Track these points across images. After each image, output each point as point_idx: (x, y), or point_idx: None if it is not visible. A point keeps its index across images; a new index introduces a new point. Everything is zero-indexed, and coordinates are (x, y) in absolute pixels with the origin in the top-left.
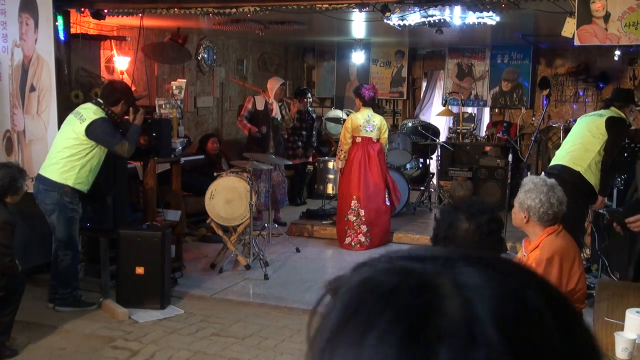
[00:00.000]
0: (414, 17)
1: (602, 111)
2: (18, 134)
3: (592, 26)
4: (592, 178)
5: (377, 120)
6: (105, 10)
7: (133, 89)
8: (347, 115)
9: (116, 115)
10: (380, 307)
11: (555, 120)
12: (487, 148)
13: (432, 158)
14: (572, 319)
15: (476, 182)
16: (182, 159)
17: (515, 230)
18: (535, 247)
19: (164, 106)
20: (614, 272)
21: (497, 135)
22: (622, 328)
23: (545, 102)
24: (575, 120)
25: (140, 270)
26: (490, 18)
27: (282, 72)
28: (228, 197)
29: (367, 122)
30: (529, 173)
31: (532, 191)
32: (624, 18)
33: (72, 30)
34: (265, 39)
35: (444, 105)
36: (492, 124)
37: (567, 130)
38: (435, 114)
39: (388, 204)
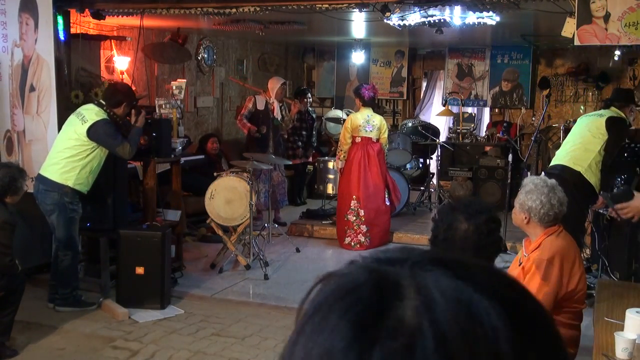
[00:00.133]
0: (414, 17)
1: (602, 111)
2: (18, 134)
3: (592, 26)
4: (593, 178)
5: (377, 120)
6: (106, 10)
7: (133, 89)
8: (347, 115)
9: (118, 117)
10: (336, 303)
11: (555, 120)
12: (487, 148)
13: (432, 158)
14: (543, 344)
15: (476, 182)
16: (182, 159)
17: (515, 230)
18: (535, 247)
19: (164, 106)
20: (614, 272)
21: (497, 135)
22: (622, 328)
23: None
24: (575, 121)
25: (140, 270)
26: (490, 18)
27: (282, 72)
28: (228, 197)
29: (367, 122)
30: (529, 173)
31: (532, 192)
32: (624, 18)
33: (72, 30)
34: (265, 39)
35: (444, 105)
36: (492, 124)
37: (567, 130)
38: (435, 114)
39: (388, 204)
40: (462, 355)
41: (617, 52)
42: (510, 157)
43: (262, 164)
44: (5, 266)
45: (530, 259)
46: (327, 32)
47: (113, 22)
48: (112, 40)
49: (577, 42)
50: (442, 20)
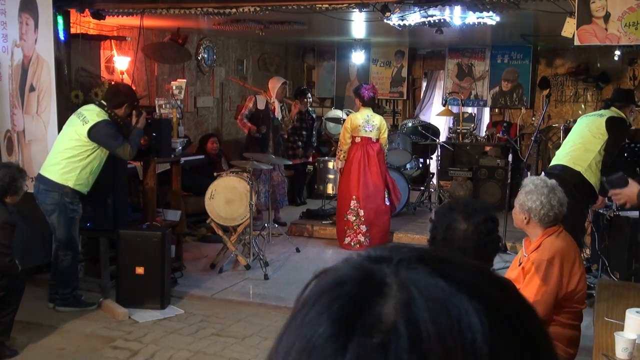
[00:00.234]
0: (414, 17)
1: (602, 111)
2: (18, 134)
3: (592, 26)
4: (593, 178)
5: (377, 120)
6: (106, 10)
7: (133, 89)
8: (347, 115)
9: (119, 117)
10: (319, 298)
11: (555, 120)
12: (487, 148)
13: (432, 158)
14: (525, 345)
15: (476, 182)
16: (182, 159)
17: (515, 230)
18: (535, 247)
19: (164, 106)
20: (614, 272)
21: (497, 135)
22: (622, 328)
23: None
24: (575, 120)
25: (140, 270)
26: (490, 18)
27: (282, 72)
28: (228, 197)
29: (367, 122)
30: (529, 173)
31: (532, 193)
32: (624, 18)
33: (72, 30)
34: (265, 39)
35: (444, 105)
36: (492, 124)
37: (567, 130)
38: (435, 114)
39: (388, 204)
40: (437, 356)
41: (617, 52)
42: (510, 157)
43: (262, 164)
44: (5, 266)
45: (530, 260)
46: (327, 32)
47: (113, 22)
48: (112, 40)
49: (577, 42)
50: (442, 20)
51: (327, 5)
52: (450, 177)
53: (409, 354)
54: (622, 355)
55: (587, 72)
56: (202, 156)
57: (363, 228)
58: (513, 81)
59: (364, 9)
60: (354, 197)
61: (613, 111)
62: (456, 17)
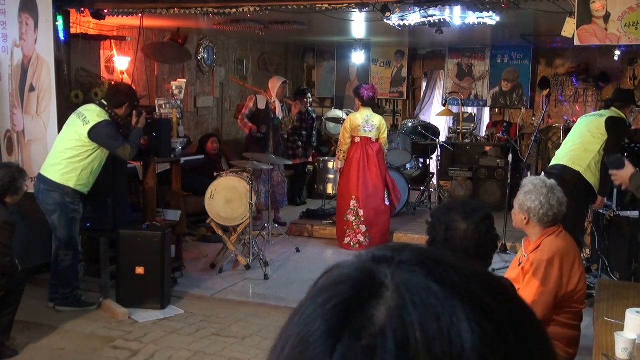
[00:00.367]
0: (414, 17)
1: (602, 111)
2: (18, 134)
3: (592, 26)
4: (592, 178)
5: (377, 120)
6: (105, 10)
7: (134, 88)
8: (347, 115)
9: (119, 117)
10: (318, 296)
11: (555, 120)
12: (487, 148)
13: (432, 158)
14: (518, 353)
15: (476, 182)
16: (182, 159)
17: (515, 230)
18: (535, 247)
19: (164, 106)
20: (614, 272)
21: (497, 135)
22: (622, 328)
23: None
24: (574, 121)
25: (140, 270)
26: (490, 18)
27: (282, 72)
28: (228, 197)
29: (366, 122)
30: (529, 173)
31: (531, 193)
32: (624, 18)
33: (72, 30)
34: (265, 39)
35: (444, 105)
36: (492, 124)
37: (567, 130)
38: (435, 114)
39: (387, 204)
40: None
41: (617, 52)
42: (510, 157)
43: (262, 164)
44: (5, 266)
45: (530, 260)
46: (327, 32)
47: (113, 22)
48: (112, 40)
49: (577, 42)
50: (442, 20)
51: (327, 5)
52: (450, 177)
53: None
54: (622, 355)
55: (587, 72)
56: (202, 156)
57: (363, 228)
58: (513, 81)
59: (364, 9)
60: (353, 197)
61: (613, 111)
62: (456, 17)
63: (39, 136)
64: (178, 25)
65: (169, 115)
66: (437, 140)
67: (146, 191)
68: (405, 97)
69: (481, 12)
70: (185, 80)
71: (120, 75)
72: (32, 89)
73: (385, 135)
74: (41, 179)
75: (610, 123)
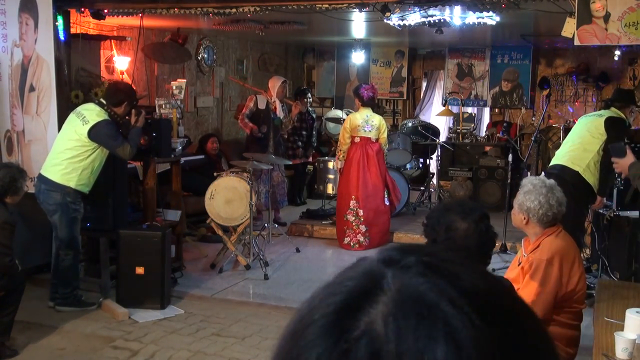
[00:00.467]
0: (414, 17)
1: (602, 111)
2: (17, 134)
3: (592, 26)
4: (591, 178)
5: (376, 120)
6: (105, 10)
7: (133, 87)
8: (347, 115)
9: (118, 116)
10: (319, 294)
11: (555, 120)
12: (487, 148)
13: (432, 158)
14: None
15: (476, 182)
16: (182, 159)
17: (515, 230)
18: (535, 247)
19: (164, 106)
20: (614, 272)
21: (497, 135)
22: (622, 328)
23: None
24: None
25: (140, 270)
26: (490, 18)
27: (282, 72)
28: (228, 197)
29: (366, 122)
30: (529, 173)
31: (531, 193)
32: (624, 18)
33: (72, 30)
34: (265, 39)
35: (444, 105)
36: (492, 124)
37: (567, 130)
38: (435, 114)
39: (387, 204)
40: None
41: (617, 52)
42: (510, 157)
43: (262, 164)
44: (5, 266)
45: (530, 259)
46: (327, 32)
47: (113, 22)
48: (112, 40)
49: (577, 42)
50: (442, 20)
51: (327, 5)
52: (450, 177)
53: None
54: (622, 355)
55: (587, 72)
56: (202, 156)
57: (362, 228)
58: (513, 81)
59: (364, 9)
60: (353, 197)
61: (613, 111)
62: (456, 17)
63: (38, 136)
64: (178, 25)
65: (169, 115)
66: (437, 140)
67: (146, 191)
68: (405, 97)
69: (481, 12)
70: (185, 80)
71: (120, 75)
72: (32, 89)
73: (385, 135)
74: (42, 179)
75: (610, 123)
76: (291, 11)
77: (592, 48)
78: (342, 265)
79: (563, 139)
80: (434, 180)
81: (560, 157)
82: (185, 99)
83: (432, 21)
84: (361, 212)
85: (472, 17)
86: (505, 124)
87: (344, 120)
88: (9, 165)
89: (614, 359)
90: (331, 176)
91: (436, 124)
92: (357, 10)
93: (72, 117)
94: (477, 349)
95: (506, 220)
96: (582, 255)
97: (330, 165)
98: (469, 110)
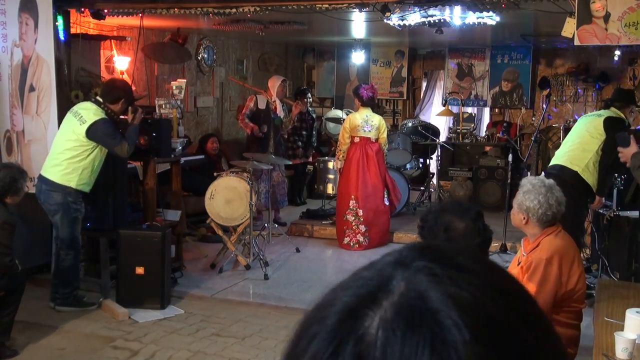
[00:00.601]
0: (414, 17)
1: (601, 111)
2: (17, 134)
3: (592, 26)
4: (590, 178)
5: (376, 120)
6: (105, 10)
7: (133, 88)
8: (347, 115)
9: (115, 113)
10: (329, 293)
11: (555, 120)
12: (487, 148)
13: (432, 158)
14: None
15: (476, 182)
16: (182, 159)
17: (515, 230)
18: (534, 247)
19: (164, 106)
20: (614, 272)
21: (497, 135)
22: (622, 328)
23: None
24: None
25: (140, 270)
26: (490, 18)
27: (282, 72)
28: (228, 197)
29: (366, 122)
30: (529, 173)
31: (530, 192)
32: (624, 18)
33: (72, 30)
34: (265, 39)
35: (444, 105)
36: (492, 124)
37: (567, 130)
38: (435, 114)
39: (387, 204)
40: None
41: (617, 52)
42: (510, 157)
43: (262, 164)
44: (5, 266)
45: (529, 259)
46: (327, 32)
47: (113, 22)
48: (112, 40)
49: (577, 42)
50: (442, 20)
51: (327, 5)
52: (450, 177)
53: None
54: (622, 355)
55: (587, 72)
56: (202, 156)
57: (362, 228)
58: (513, 81)
59: (364, 9)
60: (352, 197)
61: (612, 111)
62: (456, 17)
63: (38, 136)
64: (178, 25)
65: (169, 115)
66: (437, 140)
67: (146, 191)
68: (405, 97)
69: (481, 12)
70: (185, 80)
71: (120, 75)
72: (32, 89)
73: (385, 135)
74: (42, 179)
75: (609, 123)
76: (291, 11)
77: (592, 48)
78: (342, 265)
79: (563, 139)
80: (434, 180)
81: (559, 157)
82: (185, 99)
83: (432, 21)
84: (361, 212)
85: (472, 17)
86: (505, 124)
87: (343, 120)
88: (9, 165)
89: (614, 359)
90: (331, 176)
91: (436, 124)
92: (357, 10)
93: (69, 117)
94: None
95: (506, 220)
96: (582, 255)
97: (330, 165)
98: (469, 110)
